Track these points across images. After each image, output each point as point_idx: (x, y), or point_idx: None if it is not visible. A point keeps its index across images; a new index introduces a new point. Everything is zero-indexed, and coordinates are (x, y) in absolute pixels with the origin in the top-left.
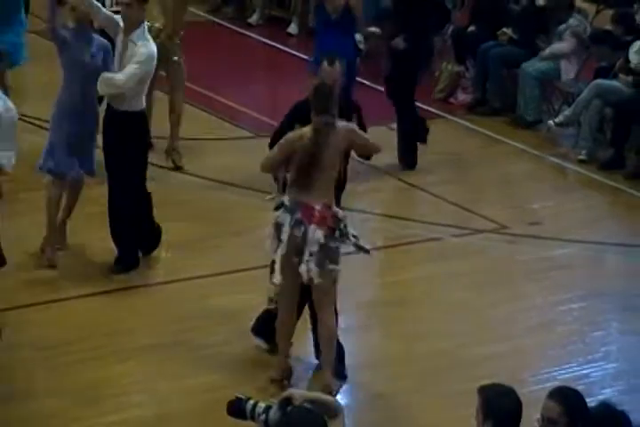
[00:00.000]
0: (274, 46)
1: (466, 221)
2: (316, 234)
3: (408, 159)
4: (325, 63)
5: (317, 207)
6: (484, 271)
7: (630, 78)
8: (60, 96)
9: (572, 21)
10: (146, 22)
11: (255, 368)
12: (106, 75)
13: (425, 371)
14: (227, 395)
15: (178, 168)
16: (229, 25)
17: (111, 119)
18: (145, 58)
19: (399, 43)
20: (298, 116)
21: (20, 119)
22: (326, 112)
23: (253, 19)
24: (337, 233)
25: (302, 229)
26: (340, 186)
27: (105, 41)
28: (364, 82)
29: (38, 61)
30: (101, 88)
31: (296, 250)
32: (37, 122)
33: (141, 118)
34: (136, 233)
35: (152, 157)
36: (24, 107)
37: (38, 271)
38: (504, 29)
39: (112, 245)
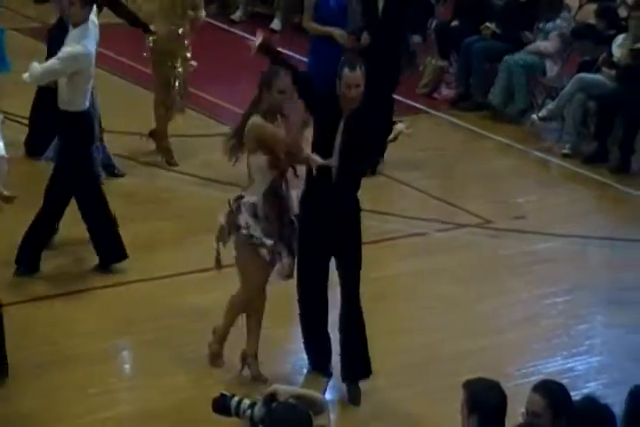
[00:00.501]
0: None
1: (450, 216)
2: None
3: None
4: (347, 69)
5: (230, 197)
6: (469, 266)
7: (613, 72)
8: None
9: (559, 22)
10: None
11: (236, 364)
12: (33, 63)
13: (409, 366)
14: (207, 392)
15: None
16: (213, 21)
17: (57, 119)
18: (66, 56)
19: (365, 38)
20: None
21: None
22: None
23: (237, 15)
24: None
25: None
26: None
27: None
28: None
29: (16, 59)
30: (26, 76)
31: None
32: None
33: (80, 118)
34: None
35: (136, 154)
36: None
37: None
38: (487, 24)
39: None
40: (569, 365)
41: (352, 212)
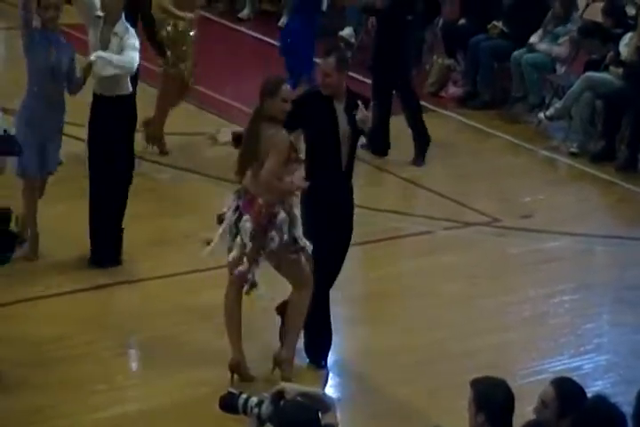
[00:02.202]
0: (265, 41)
1: (457, 215)
2: (245, 225)
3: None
4: (322, 57)
5: (259, 201)
6: (476, 264)
7: (621, 70)
8: (26, 99)
9: (569, 26)
10: None
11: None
12: (105, 54)
13: (416, 364)
14: (214, 390)
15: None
16: (220, 20)
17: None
18: (134, 43)
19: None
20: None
21: None
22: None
23: (244, 13)
24: (273, 233)
25: (237, 215)
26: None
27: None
28: (355, 75)
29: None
30: (101, 70)
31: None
32: None
33: (131, 101)
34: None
35: (144, 151)
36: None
37: (24, 267)
38: (494, 22)
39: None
40: (576, 363)
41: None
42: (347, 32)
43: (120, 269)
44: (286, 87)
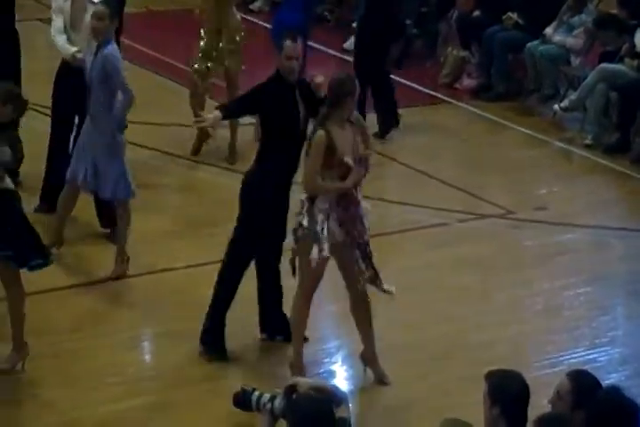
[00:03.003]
0: None
1: (472, 207)
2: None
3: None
4: (288, 41)
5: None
6: (491, 256)
7: (636, 62)
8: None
9: (584, 17)
10: None
11: (255, 358)
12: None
13: (431, 356)
14: (227, 385)
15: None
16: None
17: None
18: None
19: None
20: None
21: None
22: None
23: (255, 5)
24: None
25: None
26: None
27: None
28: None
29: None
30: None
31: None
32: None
33: None
34: None
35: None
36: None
37: None
38: (509, 14)
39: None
40: (591, 356)
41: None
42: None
43: (135, 261)
44: (289, 43)
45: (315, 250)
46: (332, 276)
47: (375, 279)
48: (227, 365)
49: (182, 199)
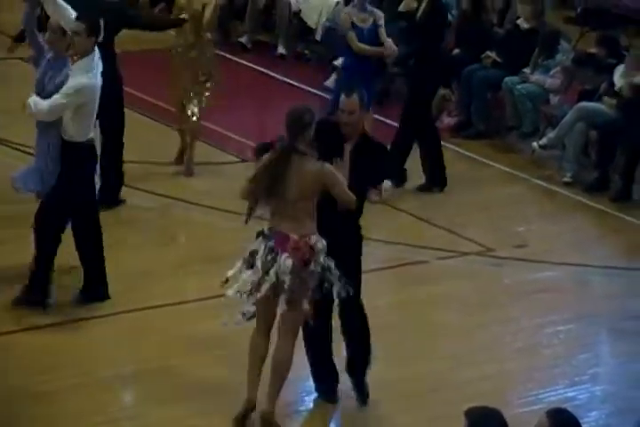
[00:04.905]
0: (261, 71)
1: (452, 244)
2: (286, 262)
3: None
4: (343, 95)
5: (293, 237)
6: (471, 294)
7: (614, 101)
8: None
9: (559, 57)
10: None
11: (241, 394)
12: (35, 99)
13: (411, 393)
14: (210, 422)
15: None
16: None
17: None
18: (71, 91)
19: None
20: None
21: None
22: (290, 138)
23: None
24: (312, 265)
25: (273, 256)
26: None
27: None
28: None
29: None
30: (31, 112)
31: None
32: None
33: (83, 149)
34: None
35: (135, 181)
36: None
37: (11, 299)
38: (488, 52)
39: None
40: (571, 394)
41: (352, 239)
42: (340, 62)
43: (111, 300)
44: (343, 98)
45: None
46: None
47: None
48: (209, 402)
49: (163, 237)
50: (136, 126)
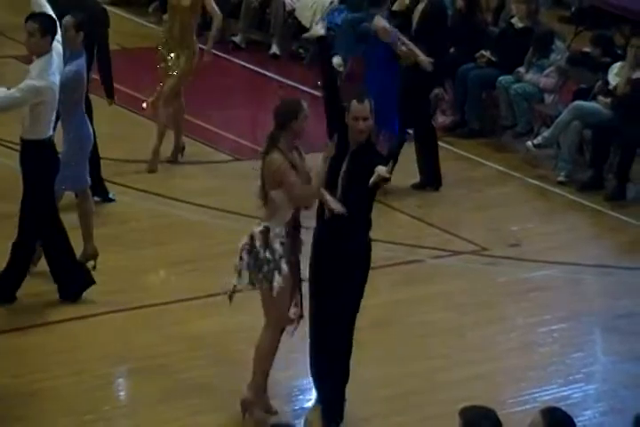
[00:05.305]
0: (254, 70)
1: (446, 243)
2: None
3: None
4: (355, 101)
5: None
6: (465, 293)
7: (609, 100)
8: None
9: (553, 56)
10: None
11: (233, 393)
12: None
13: (405, 393)
14: (202, 420)
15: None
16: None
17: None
18: (27, 88)
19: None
20: None
21: None
22: (274, 128)
23: (237, 38)
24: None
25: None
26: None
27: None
28: None
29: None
30: None
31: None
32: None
33: (41, 147)
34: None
35: (130, 180)
36: None
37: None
38: (482, 52)
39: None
40: (565, 393)
41: (358, 253)
42: (335, 61)
43: (103, 299)
44: (354, 103)
45: (277, 277)
46: None
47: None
48: (202, 401)
49: (156, 236)
50: (129, 125)
